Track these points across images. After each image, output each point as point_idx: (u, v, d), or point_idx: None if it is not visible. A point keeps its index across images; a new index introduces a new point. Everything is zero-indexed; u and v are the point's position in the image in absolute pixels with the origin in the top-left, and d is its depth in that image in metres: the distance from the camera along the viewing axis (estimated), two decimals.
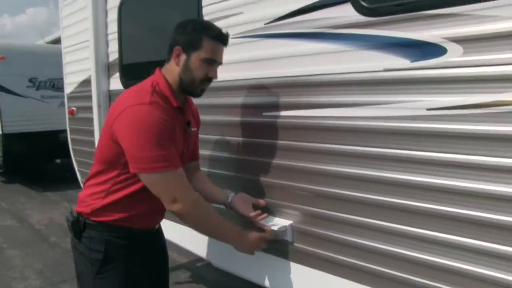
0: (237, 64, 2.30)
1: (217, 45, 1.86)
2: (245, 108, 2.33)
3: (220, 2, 2.40)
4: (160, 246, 2.17)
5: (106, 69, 3.47)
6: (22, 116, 8.89)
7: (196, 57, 1.83)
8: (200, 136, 2.24)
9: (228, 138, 2.45)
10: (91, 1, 3.42)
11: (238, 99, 2.35)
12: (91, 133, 3.62)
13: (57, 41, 19.56)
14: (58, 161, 9.52)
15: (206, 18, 2.48)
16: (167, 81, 1.86)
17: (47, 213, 7.22)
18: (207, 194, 2.12)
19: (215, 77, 1.89)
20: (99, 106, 3.45)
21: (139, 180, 1.79)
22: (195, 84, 1.87)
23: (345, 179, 1.88)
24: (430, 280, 1.65)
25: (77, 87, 3.99)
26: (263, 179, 2.27)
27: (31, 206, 7.78)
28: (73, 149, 4.24)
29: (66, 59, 4.20)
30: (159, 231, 2.16)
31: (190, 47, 1.84)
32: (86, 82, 3.73)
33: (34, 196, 8.59)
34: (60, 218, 6.73)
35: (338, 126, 1.88)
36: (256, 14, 2.20)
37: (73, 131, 4.22)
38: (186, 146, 1.97)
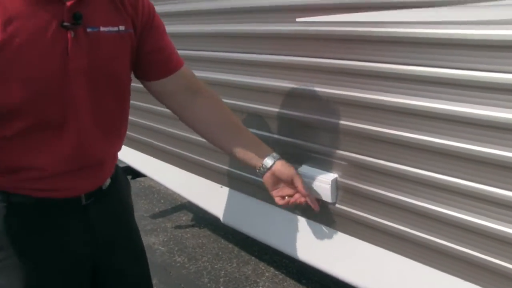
0: None
1: None
2: (271, 12, 1.64)
3: None
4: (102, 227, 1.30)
5: None
6: None
7: None
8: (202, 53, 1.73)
9: (247, 56, 1.79)
10: None
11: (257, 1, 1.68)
12: None
13: None
14: None
15: None
16: None
17: None
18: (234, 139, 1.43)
19: None
20: None
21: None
22: None
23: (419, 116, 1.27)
24: None
25: None
26: (295, 113, 1.63)
27: None
28: None
29: None
30: (100, 201, 1.29)
31: None
32: None
33: None
34: None
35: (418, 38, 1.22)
36: None
37: None
38: (79, 56, 1.11)
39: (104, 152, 1.26)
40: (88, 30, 1.12)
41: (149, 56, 1.28)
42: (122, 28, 1.19)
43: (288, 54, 1.61)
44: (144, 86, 1.36)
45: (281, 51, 1.63)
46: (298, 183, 1.40)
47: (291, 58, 1.60)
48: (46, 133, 1.13)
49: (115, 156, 1.36)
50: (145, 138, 2.55)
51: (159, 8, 1.36)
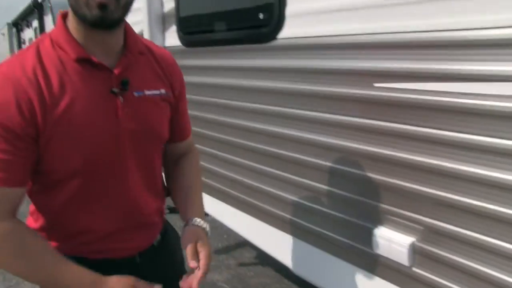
0: (339, 14, 1.68)
1: None
2: (350, 75, 1.69)
3: None
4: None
5: (161, 21, 2.88)
6: None
7: None
8: (281, 109, 1.71)
9: (321, 115, 1.82)
10: None
11: (338, 63, 1.72)
12: None
13: None
14: None
15: None
16: (65, 25, 1.16)
17: None
18: (178, 199, 1.39)
19: None
20: None
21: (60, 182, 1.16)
22: (81, 1, 1.07)
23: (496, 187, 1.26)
24: None
25: None
26: (372, 175, 1.65)
27: None
28: None
29: None
30: (153, 258, 1.35)
31: None
32: None
33: None
34: None
35: (494, 110, 1.23)
36: None
37: None
38: (127, 119, 1.19)
39: (151, 208, 1.31)
40: (135, 94, 1.20)
41: (174, 120, 1.36)
42: (163, 91, 1.28)
43: (364, 116, 1.64)
44: None
45: (357, 113, 1.66)
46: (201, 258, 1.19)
47: (368, 121, 1.63)
48: (99, 195, 1.20)
49: (162, 211, 1.41)
50: (215, 184, 2.63)
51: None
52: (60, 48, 1.13)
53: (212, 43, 2.44)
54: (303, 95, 1.90)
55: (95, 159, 1.16)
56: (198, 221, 1.27)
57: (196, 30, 2.65)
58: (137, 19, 3.10)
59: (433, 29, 1.37)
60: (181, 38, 2.68)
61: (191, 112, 2.69)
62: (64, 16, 1.18)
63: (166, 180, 1.45)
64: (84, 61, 1.13)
